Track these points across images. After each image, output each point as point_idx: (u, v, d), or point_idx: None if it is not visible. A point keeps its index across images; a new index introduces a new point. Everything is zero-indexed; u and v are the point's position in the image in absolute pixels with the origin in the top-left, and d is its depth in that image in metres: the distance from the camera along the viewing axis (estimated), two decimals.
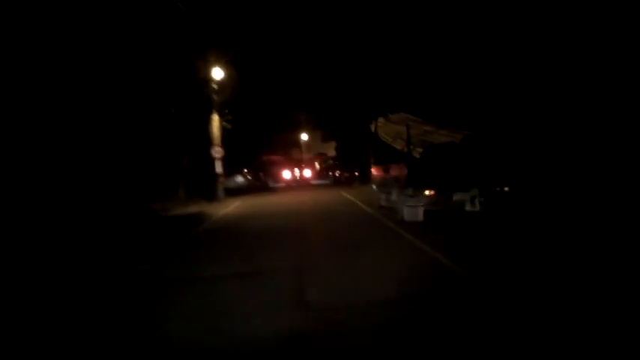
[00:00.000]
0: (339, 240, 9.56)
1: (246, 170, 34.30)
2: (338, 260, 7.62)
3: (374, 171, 15.32)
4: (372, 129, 15.22)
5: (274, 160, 53.81)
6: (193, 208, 20.48)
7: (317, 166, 69.99)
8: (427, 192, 10.29)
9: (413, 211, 10.73)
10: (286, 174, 50.65)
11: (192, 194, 24.88)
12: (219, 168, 23.74)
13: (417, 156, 11.18)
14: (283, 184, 43.95)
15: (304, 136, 70.69)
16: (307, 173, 61.03)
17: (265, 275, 7.03)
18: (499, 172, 9.60)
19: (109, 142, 20.23)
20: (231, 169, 31.83)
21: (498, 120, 10.66)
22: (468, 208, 9.84)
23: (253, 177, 36.06)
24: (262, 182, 39.19)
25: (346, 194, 22.38)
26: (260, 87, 35.61)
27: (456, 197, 10.00)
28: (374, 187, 15.47)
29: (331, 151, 73.80)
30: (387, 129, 13.92)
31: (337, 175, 37.52)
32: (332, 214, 14.66)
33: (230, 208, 19.85)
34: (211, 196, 24.27)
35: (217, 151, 23.39)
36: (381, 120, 14.55)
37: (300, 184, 44.99)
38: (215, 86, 23.25)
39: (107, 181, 20.01)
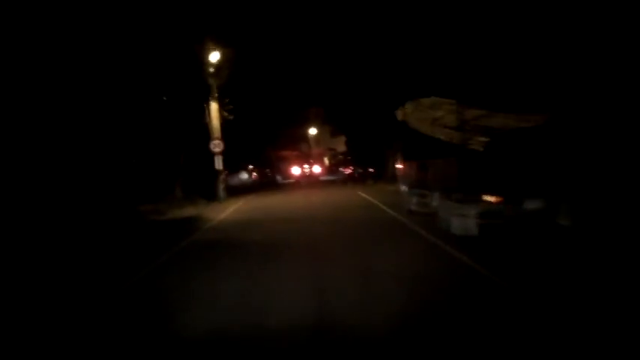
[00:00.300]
0: (369, 265, 6.85)
1: (251, 166, 31.60)
2: (376, 307, 4.92)
3: (402, 167, 12.58)
4: (400, 117, 12.46)
5: (282, 156, 51.29)
6: (189, 211, 17.86)
7: (326, 161, 67.61)
8: (488, 197, 7.52)
9: (464, 222, 7.98)
10: (295, 170, 48.05)
11: (191, 193, 22.28)
12: (219, 164, 21.08)
13: (478, 148, 8.33)
14: (292, 181, 41.34)
15: (313, 131, 68.19)
16: (316, 169, 58.57)
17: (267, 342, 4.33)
18: (601, 169, 6.80)
19: (93, 136, 17.67)
20: (235, 165, 29.21)
21: (586, 98, 7.79)
22: (549, 220, 7.06)
23: (259, 173, 33.36)
24: (269, 179, 36.55)
25: (364, 194, 19.63)
26: (267, 78, 33.46)
27: (530, 205, 7.24)
28: (402, 187, 12.73)
29: (340, 146, 71.50)
30: (419, 115, 11.16)
31: (349, 171, 34.70)
32: (353, 221, 11.90)
33: (230, 210, 17.18)
34: (212, 196, 21.64)
35: (216, 145, 20.73)
36: (409, 106, 11.79)
37: (309, 180, 42.44)
38: (212, 69, 20.50)
39: (90, 180, 17.52)
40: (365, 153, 33.43)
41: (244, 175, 29.60)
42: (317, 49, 33.56)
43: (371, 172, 30.71)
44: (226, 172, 21.86)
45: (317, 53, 33.24)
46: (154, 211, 18.12)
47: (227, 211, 17.03)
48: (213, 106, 20.96)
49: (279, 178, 41.46)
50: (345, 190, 24.34)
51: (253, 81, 30.64)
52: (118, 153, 19.10)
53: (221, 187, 21.23)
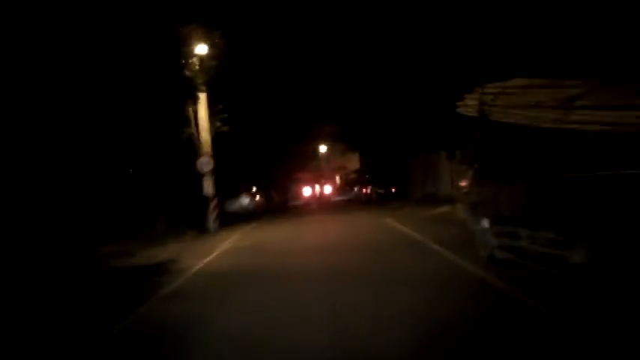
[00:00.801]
0: None
1: (254, 189, 27.06)
2: None
3: (472, 188, 8.05)
4: (468, 111, 8.01)
5: (291, 176, 47.14)
6: (167, 251, 13.51)
7: (338, 180, 63.81)
8: None
9: None
10: (306, 191, 43.85)
11: (179, 223, 17.90)
12: (209, 188, 16.70)
13: None
14: (302, 203, 37.03)
15: (323, 148, 64.00)
16: (327, 189, 54.40)
17: None
18: None
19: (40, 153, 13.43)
20: (234, 188, 24.87)
21: None
22: None
23: (264, 197, 28.82)
24: (275, 203, 32.11)
25: (396, 222, 14.99)
26: (275, 90, 29.72)
27: None
28: (471, 218, 8.17)
29: (352, 164, 67.28)
30: (511, 101, 6.74)
31: (366, 191, 29.96)
32: (401, 283, 7.03)
33: (219, 250, 12.71)
34: (204, 226, 17.25)
35: (205, 163, 16.39)
36: (490, 90, 7.35)
37: (320, 201, 38.14)
38: (197, 63, 16.15)
39: (34, 211, 13.26)
40: (383, 170, 28.98)
41: (245, 200, 25.14)
42: (328, 61, 29.97)
43: (393, 191, 26.23)
44: (216, 198, 17.34)
45: (328, 65, 30.29)
46: (121, 251, 13.76)
47: (215, 251, 12.55)
48: (202, 113, 16.66)
49: (289, 199, 37.28)
50: (366, 215, 19.76)
51: (259, 92, 27.00)
52: (76, 175, 14.76)
53: (212, 216, 16.78)
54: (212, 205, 16.84)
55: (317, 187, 52.12)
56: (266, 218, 23.07)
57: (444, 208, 17.35)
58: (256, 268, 9.45)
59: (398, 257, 9.03)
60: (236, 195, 24.55)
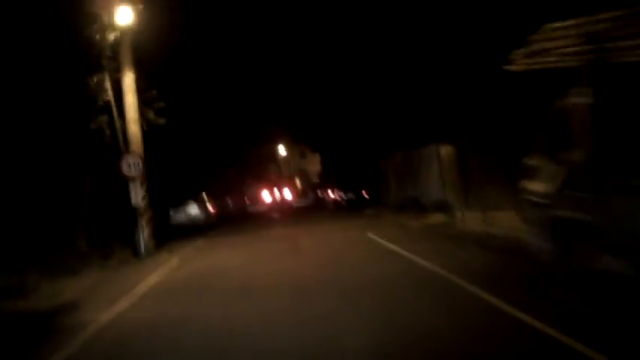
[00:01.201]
0: None
1: (205, 196, 23.07)
2: None
3: (561, 193, 4.62)
4: (554, 55, 4.64)
5: (248, 180, 43.45)
6: (78, 284, 9.82)
7: (298, 185, 60.56)
8: None
9: None
10: (266, 196, 40.30)
11: (107, 240, 13.93)
12: (137, 196, 12.75)
13: None
14: (261, 209, 33.36)
15: (282, 150, 60.42)
16: (288, 194, 50.87)
17: None
18: None
19: None
20: (180, 195, 20.92)
21: None
22: None
23: (217, 205, 24.83)
24: (231, 212, 28.23)
25: (384, 240, 11.47)
26: (229, 86, 27.47)
27: None
28: (566, 251, 4.77)
29: (312, 167, 64.37)
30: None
31: (333, 196, 26.44)
32: None
33: (146, 287, 8.92)
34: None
35: (131, 165, 12.43)
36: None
37: (281, 208, 34.59)
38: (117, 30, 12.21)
39: None
40: (350, 172, 25.68)
41: (193, 209, 21.10)
42: (286, 56, 28.67)
43: (365, 196, 22.90)
44: (150, 211, 13.42)
45: (286, 61, 29.07)
46: (14, 287, 9.77)
47: (138, 287, 8.77)
48: (129, 99, 12.78)
49: (247, 206, 33.65)
50: (341, 226, 16.22)
51: (211, 85, 23.63)
52: None
53: (143, 234, 12.83)
54: (144, 219, 12.89)
55: (277, 192, 48.40)
56: (219, 231, 19.22)
57: (438, 217, 14.13)
58: (193, 327, 5.78)
59: (419, 312, 5.49)
60: (182, 203, 20.57)
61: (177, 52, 17.82)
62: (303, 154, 66.52)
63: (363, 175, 23.78)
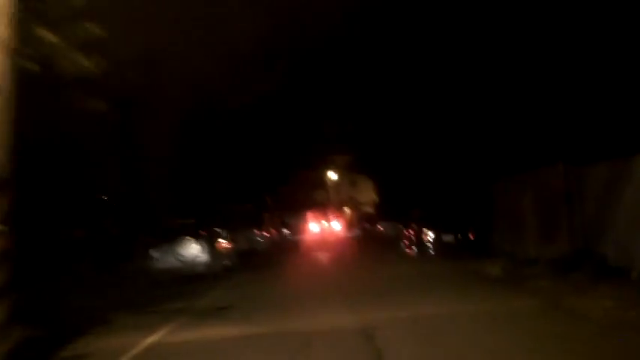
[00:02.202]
0: None
1: (219, 230, 14.71)
2: None
3: None
4: None
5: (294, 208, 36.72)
6: None
7: (348, 215, 53.96)
8: None
9: None
10: (313, 227, 33.72)
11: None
12: None
13: None
14: (307, 241, 26.12)
15: (333, 175, 52.59)
16: (336, 225, 43.30)
17: None
18: None
19: None
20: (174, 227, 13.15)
21: None
22: None
23: (237, 240, 16.58)
24: (263, 252, 20.15)
25: None
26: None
27: None
28: None
29: (363, 197, 54.17)
30: None
31: (414, 234, 17.33)
32: None
33: None
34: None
35: None
36: None
37: (327, 241, 27.19)
38: None
39: None
40: (438, 202, 17.33)
41: (193, 248, 12.53)
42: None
43: (471, 238, 14.37)
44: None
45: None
46: None
47: None
48: None
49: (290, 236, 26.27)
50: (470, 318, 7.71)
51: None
52: None
53: None
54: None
55: (324, 223, 40.83)
56: (234, 294, 11.08)
57: None
58: None
59: None
60: (172, 237, 12.43)
61: None
62: (353, 182, 59.39)
63: (459, 208, 15.40)
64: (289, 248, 25.58)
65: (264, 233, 21.03)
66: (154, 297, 10.20)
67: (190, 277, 12.01)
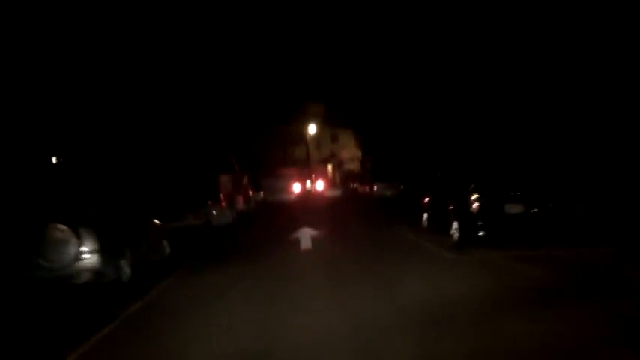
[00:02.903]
0: None
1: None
2: None
3: None
4: None
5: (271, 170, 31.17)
6: None
7: (330, 174, 50.24)
8: None
9: None
10: (293, 187, 29.31)
11: None
12: None
13: None
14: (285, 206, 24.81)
15: (312, 129, 47.16)
16: (319, 186, 38.77)
17: None
18: None
19: None
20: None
21: None
22: None
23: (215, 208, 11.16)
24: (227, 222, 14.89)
25: None
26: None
27: None
28: None
29: (346, 153, 52.45)
30: None
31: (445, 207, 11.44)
32: None
33: None
34: None
35: None
36: None
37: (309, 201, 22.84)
38: None
39: None
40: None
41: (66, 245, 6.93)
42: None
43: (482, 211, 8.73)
44: None
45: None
46: None
47: None
48: None
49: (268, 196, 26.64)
50: None
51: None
52: None
53: None
54: None
55: (306, 183, 35.91)
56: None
57: None
58: None
59: None
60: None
61: None
62: (335, 136, 54.35)
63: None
64: (261, 217, 20.25)
65: (222, 204, 15.35)
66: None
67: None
